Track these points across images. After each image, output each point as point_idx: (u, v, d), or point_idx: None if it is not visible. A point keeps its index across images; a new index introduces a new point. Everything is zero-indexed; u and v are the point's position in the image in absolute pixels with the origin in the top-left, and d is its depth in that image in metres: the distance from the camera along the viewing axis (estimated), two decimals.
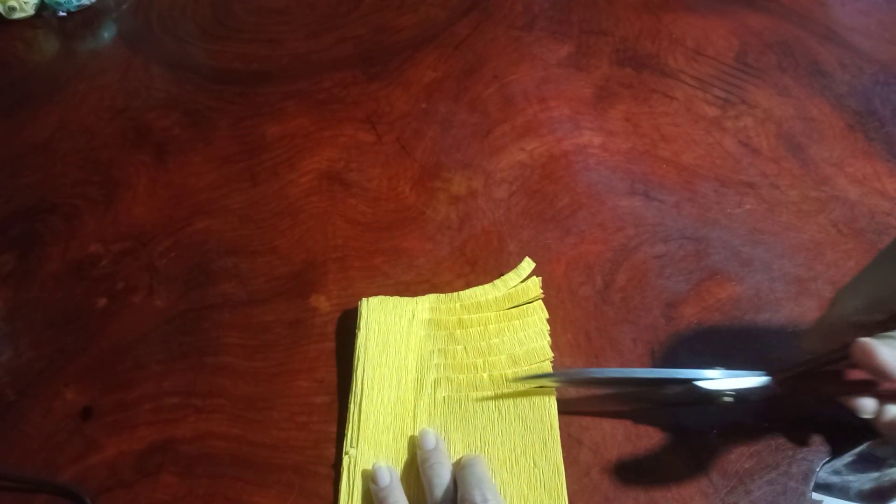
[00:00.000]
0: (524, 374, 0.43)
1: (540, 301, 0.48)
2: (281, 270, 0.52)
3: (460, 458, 0.40)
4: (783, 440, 0.41)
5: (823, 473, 0.39)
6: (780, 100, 0.63)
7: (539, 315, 0.47)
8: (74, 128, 0.65)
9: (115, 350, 0.47)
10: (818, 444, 0.41)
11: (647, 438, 0.41)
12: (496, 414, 0.43)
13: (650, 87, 0.65)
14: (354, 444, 0.41)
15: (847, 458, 0.40)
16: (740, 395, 0.39)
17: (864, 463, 0.40)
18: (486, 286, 0.49)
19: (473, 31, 0.73)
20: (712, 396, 0.39)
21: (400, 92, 0.66)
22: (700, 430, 0.42)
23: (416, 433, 0.42)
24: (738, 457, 0.40)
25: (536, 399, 0.43)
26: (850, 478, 0.39)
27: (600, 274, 0.50)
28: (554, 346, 0.46)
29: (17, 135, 0.64)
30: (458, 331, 0.47)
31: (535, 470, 0.40)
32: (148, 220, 0.56)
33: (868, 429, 0.36)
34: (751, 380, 0.39)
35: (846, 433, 0.40)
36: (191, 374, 0.46)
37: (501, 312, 0.48)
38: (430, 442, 0.41)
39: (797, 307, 0.47)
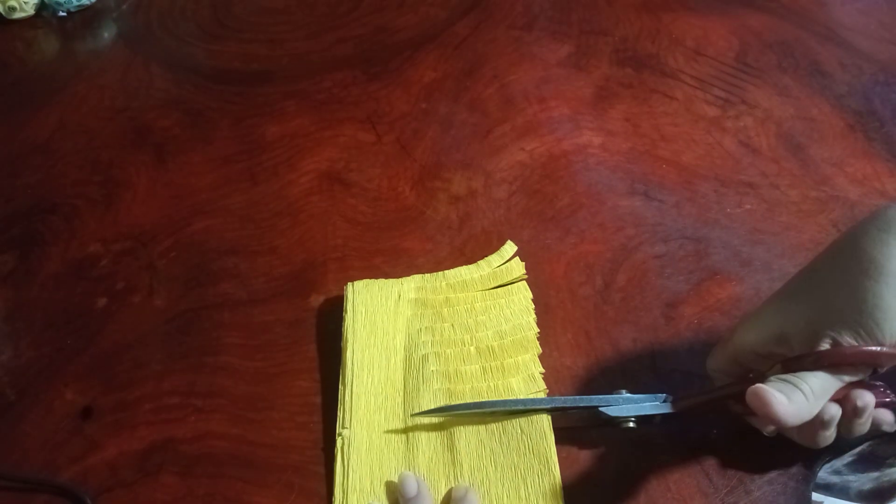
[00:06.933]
0: (429, 408, 0.42)
1: (524, 282, 0.49)
2: (281, 270, 0.52)
3: (450, 491, 0.39)
4: (784, 441, 0.41)
5: (823, 473, 0.39)
6: (780, 100, 0.63)
7: (524, 294, 0.48)
8: (74, 128, 0.65)
9: (115, 350, 0.47)
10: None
11: (647, 438, 0.41)
12: (484, 386, 0.43)
13: (650, 87, 0.65)
14: (347, 425, 0.41)
15: (847, 458, 0.40)
16: (642, 419, 0.40)
17: (864, 463, 0.40)
18: (471, 266, 0.50)
19: (473, 31, 0.73)
20: (616, 422, 0.40)
21: (400, 92, 0.66)
22: (700, 430, 0.41)
23: (408, 412, 0.42)
24: (738, 457, 0.40)
25: (524, 372, 0.43)
26: (850, 478, 0.39)
27: (600, 274, 0.50)
28: (554, 346, 0.46)
29: (17, 135, 0.64)
30: (445, 309, 0.47)
31: (523, 436, 0.40)
32: (148, 220, 0.56)
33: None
34: (652, 405, 0.40)
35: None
36: (191, 374, 0.46)
37: (487, 292, 0.48)
38: (412, 488, 0.38)
39: None
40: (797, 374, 0.34)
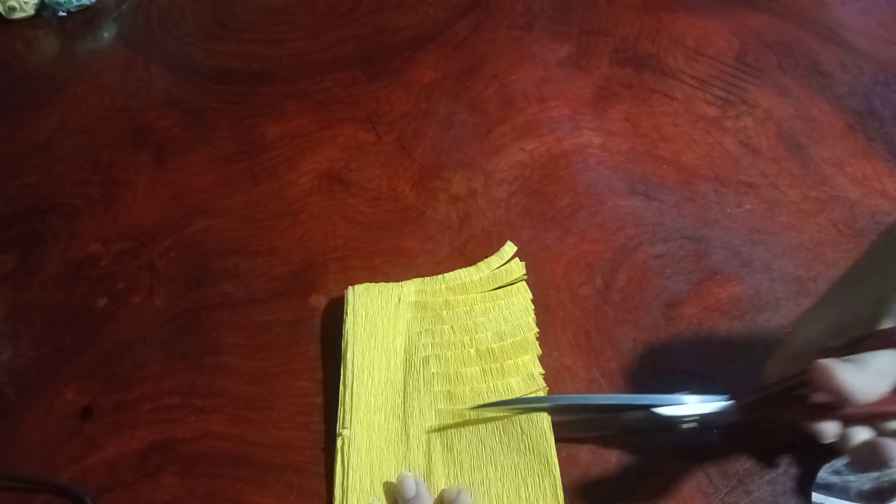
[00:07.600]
0: (483, 402, 0.42)
1: (524, 282, 0.49)
2: (281, 270, 0.52)
3: (441, 493, 0.39)
4: (784, 442, 0.41)
5: (823, 473, 0.39)
6: (780, 100, 0.63)
7: (523, 294, 0.48)
8: (74, 128, 0.65)
9: (115, 350, 0.47)
10: (817, 445, 0.41)
11: (647, 439, 0.41)
12: (484, 387, 0.43)
13: (650, 87, 0.65)
14: (347, 425, 0.41)
15: (847, 458, 0.40)
16: (703, 420, 0.39)
17: None
18: (471, 268, 0.50)
19: (473, 31, 0.73)
20: (672, 423, 0.39)
21: (400, 92, 0.66)
22: (699, 430, 0.41)
23: (408, 413, 0.42)
24: (738, 457, 0.40)
25: (524, 372, 0.43)
26: (850, 478, 0.39)
27: (600, 274, 0.50)
28: (554, 346, 0.46)
29: (17, 135, 0.64)
30: (445, 311, 0.47)
31: (524, 436, 0.40)
32: (148, 220, 0.56)
33: (833, 451, 0.35)
34: (712, 405, 0.38)
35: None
36: (191, 374, 0.46)
37: (486, 293, 0.48)
38: (411, 489, 0.38)
39: (797, 307, 0.47)
40: (862, 354, 0.32)
